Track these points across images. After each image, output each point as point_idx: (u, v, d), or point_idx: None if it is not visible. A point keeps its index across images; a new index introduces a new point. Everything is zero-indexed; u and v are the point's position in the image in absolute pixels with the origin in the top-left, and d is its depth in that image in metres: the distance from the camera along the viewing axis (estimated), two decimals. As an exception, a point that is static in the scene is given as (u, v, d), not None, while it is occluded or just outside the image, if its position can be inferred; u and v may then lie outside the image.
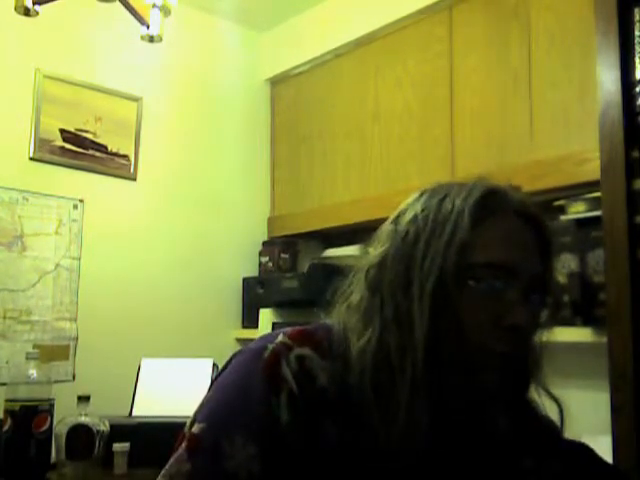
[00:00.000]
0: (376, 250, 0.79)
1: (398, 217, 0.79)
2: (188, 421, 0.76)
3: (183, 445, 0.72)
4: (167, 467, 0.72)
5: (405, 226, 0.76)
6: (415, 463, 0.71)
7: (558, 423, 0.84)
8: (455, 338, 0.72)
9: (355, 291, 0.80)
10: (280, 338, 0.75)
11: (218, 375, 0.79)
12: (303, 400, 0.71)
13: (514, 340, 0.73)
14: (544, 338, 0.80)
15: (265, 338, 0.77)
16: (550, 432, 0.86)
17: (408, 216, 0.77)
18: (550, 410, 0.85)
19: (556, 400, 0.82)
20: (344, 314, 0.79)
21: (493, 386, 0.73)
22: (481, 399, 0.75)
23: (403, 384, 0.71)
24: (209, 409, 0.74)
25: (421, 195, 0.79)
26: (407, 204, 0.80)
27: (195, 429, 0.72)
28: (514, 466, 0.81)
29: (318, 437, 0.71)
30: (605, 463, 0.89)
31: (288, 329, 0.78)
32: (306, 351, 0.74)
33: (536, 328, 0.78)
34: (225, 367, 0.79)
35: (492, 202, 0.76)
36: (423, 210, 0.76)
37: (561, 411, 0.82)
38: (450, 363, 0.72)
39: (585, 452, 0.89)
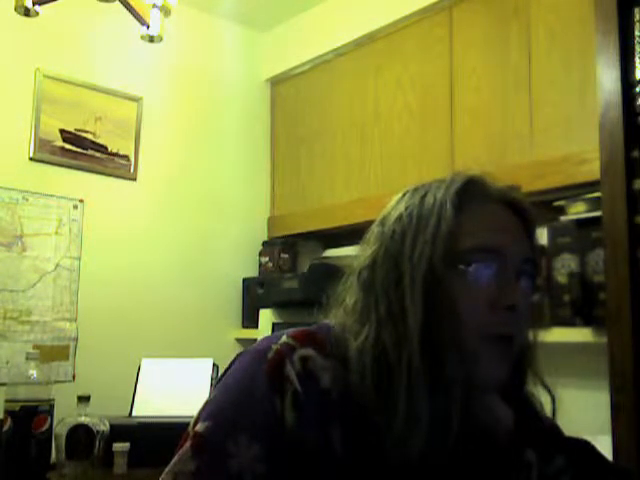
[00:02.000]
0: (366, 252, 0.80)
1: (383, 219, 0.81)
2: (192, 420, 0.76)
3: (187, 443, 0.72)
4: (171, 465, 0.72)
5: (391, 226, 0.78)
6: (419, 460, 0.71)
7: (551, 413, 0.84)
8: (450, 326, 0.72)
9: (349, 294, 0.80)
10: (284, 339, 0.76)
11: (222, 375, 0.79)
12: (307, 401, 0.71)
13: (511, 321, 0.75)
14: (537, 326, 0.81)
15: (269, 339, 0.78)
16: (550, 428, 0.87)
17: (393, 216, 0.79)
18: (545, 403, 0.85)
19: (549, 390, 0.83)
20: (341, 317, 0.80)
21: (492, 371, 0.74)
22: (482, 386, 0.75)
23: (400, 377, 0.71)
24: (214, 408, 0.74)
25: (403, 196, 0.82)
26: (390, 206, 0.82)
27: (199, 427, 0.72)
28: (517, 459, 0.81)
29: (323, 438, 0.71)
30: (607, 460, 0.90)
31: (291, 330, 0.78)
32: (309, 352, 0.74)
33: (529, 310, 0.79)
34: (229, 367, 0.79)
35: (472, 190, 0.78)
36: (407, 208, 0.78)
37: (553, 401, 0.83)
38: (447, 352, 0.72)
39: (587, 449, 0.89)
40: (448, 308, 0.73)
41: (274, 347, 0.74)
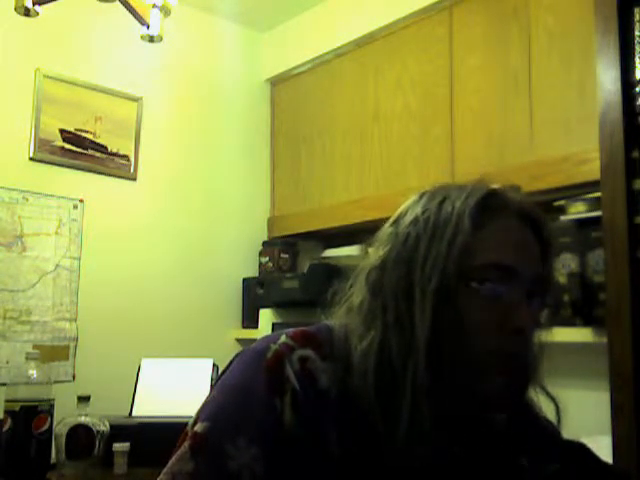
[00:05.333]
0: (377, 252, 0.78)
1: (398, 219, 0.79)
2: (191, 420, 0.76)
3: (186, 443, 0.72)
4: (169, 465, 0.72)
5: (405, 229, 0.76)
6: (417, 464, 0.71)
7: (555, 422, 0.84)
8: (457, 341, 0.72)
9: (356, 293, 0.79)
10: (283, 339, 0.76)
11: (221, 375, 0.79)
12: (305, 401, 0.71)
13: (518, 342, 0.73)
14: (543, 339, 0.80)
15: (268, 339, 0.77)
16: (548, 432, 0.86)
17: (408, 219, 0.77)
18: (547, 409, 0.85)
19: (553, 399, 0.82)
20: (345, 316, 0.79)
21: (497, 388, 0.73)
22: (485, 401, 0.75)
23: (405, 386, 0.71)
24: (212, 408, 0.74)
25: (420, 197, 0.79)
26: (406, 207, 0.80)
27: (198, 428, 0.72)
28: (511, 465, 0.81)
29: (320, 439, 0.71)
30: (603, 462, 0.89)
31: (290, 330, 0.78)
32: (308, 352, 0.74)
33: (537, 329, 0.78)
34: (227, 367, 0.79)
35: (492, 204, 0.76)
36: (423, 213, 0.76)
37: (558, 410, 0.82)
38: (452, 366, 0.72)
39: (583, 452, 0.89)
40: (457, 323, 0.72)
41: (273, 347, 0.74)
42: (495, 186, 0.79)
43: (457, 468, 0.74)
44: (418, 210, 0.77)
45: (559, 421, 0.83)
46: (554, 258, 0.82)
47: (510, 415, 0.80)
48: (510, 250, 0.75)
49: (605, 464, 0.90)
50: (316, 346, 0.75)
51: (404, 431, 0.70)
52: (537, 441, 0.84)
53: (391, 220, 0.80)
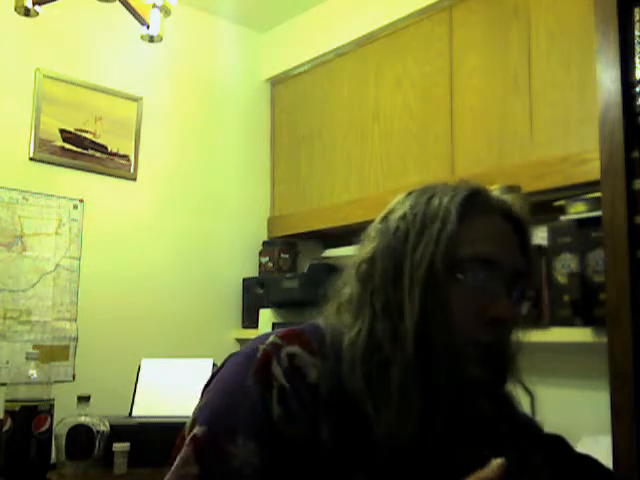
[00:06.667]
0: (366, 247, 0.82)
1: (387, 216, 0.83)
2: (188, 422, 0.78)
3: (187, 448, 0.74)
4: (173, 470, 0.74)
5: (395, 223, 0.80)
6: (407, 451, 0.73)
7: (531, 414, 0.86)
8: (444, 327, 0.75)
9: (347, 286, 0.83)
10: (271, 339, 0.78)
11: (213, 376, 0.82)
12: (294, 396, 0.73)
13: (497, 331, 0.77)
14: (521, 335, 0.82)
15: (257, 339, 0.80)
16: (530, 425, 0.89)
17: (397, 214, 0.81)
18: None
19: (529, 391, 0.84)
20: (335, 312, 0.82)
21: (476, 374, 0.76)
22: (466, 387, 0.76)
23: (394, 370, 0.74)
24: (209, 412, 0.76)
25: (408, 195, 0.83)
26: (394, 204, 0.84)
27: (198, 431, 0.74)
28: (495, 454, 0.82)
29: (311, 431, 0.73)
30: (581, 454, 0.92)
31: (279, 330, 0.81)
32: (296, 349, 0.77)
33: (517, 321, 0.81)
34: (220, 369, 0.82)
35: (477, 201, 0.81)
36: (412, 208, 0.80)
37: (532, 402, 0.85)
38: (439, 351, 0.74)
39: (563, 444, 0.91)
40: (443, 311, 0.75)
41: (261, 347, 0.77)
42: (480, 186, 0.83)
43: (443, 458, 0.76)
44: (406, 206, 0.81)
45: (533, 413, 0.85)
46: (536, 256, 0.85)
47: (494, 408, 0.82)
48: (492, 244, 0.79)
49: (583, 455, 0.92)
50: (304, 343, 0.78)
51: (394, 415, 0.72)
52: (519, 433, 0.86)
53: (379, 217, 0.84)
